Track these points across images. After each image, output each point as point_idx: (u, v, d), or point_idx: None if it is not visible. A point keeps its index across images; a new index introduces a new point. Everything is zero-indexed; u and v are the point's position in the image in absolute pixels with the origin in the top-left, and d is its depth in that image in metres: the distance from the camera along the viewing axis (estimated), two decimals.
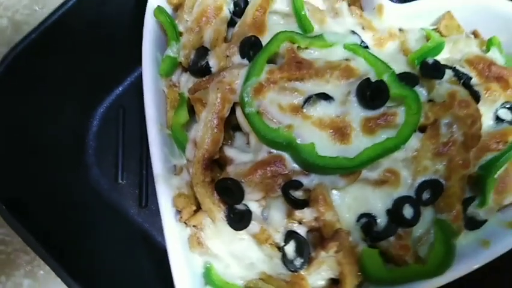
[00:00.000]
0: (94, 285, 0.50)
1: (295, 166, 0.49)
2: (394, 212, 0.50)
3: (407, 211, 0.50)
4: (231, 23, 0.59)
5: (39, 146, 0.60)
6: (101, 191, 0.64)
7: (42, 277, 0.65)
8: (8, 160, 0.56)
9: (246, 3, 0.59)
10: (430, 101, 0.53)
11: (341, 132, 0.50)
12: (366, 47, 0.57)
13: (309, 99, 0.51)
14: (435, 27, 0.61)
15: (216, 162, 0.54)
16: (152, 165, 0.53)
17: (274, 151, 0.50)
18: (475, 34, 0.63)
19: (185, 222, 0.52)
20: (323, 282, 0.52)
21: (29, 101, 0.60)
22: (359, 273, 0.51)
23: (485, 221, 0.54)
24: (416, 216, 0.50)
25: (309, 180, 0.49)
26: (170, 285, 0.51)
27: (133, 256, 0.60)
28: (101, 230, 0.59)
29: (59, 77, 0.62)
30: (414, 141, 0.50)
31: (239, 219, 0.51)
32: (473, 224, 0.54)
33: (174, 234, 0.52)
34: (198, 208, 0.53)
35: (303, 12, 0.57)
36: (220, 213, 0.51)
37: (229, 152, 0.53)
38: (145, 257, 0.60)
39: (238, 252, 0.53)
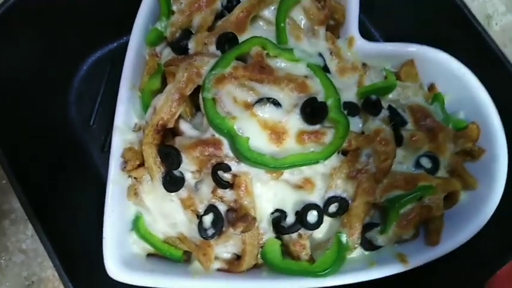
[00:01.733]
0: (38, 199, 0.58)
1: (230, 153, 0.57)
2: (301, 214, 0.58)
3: (311, 217, 0.58)
4: (221, 16, 0.66)
5: (31, 80, 0.68)
6: (74, 128, 0.72)
7: (3, 185, 0.73)
8: (5, 83, 0.63)
9: (238, 2, 0.66)
10: (362, 132, 0.60)
11: (277, 135, 0.57)
12: (328, 71, 0.64)
13: (261, 101, 0.58)
14: (396, 70, 0.68)
15: (171, 131, 0.62)
16: (115, 117, 0.61)
17: (216, 135, 0.57)
18: (432, 87, 0.70)
19: (128, 173, 0.61)
20: (228, 255, 0.61)
21: (29, 34, 0.67)
22: (259, 256, 0.59)
23: (380, 246, 0.62)
24: (318, 222, 0.58)
25: (238, 168, 0.57)
26: None
27: (84, 190, 0.68)
28: (66, 160, 0.68)
29: (61, 18, 0.70)
30: (335, 160, 0.58)
31: (173, 183, 0.59)
32: (370, 246, 0.62)
33: (116, 180, 0.60)
34: (142, 164, 0.61)
35: (282, 25, 0.63)
36: (158, 173, 0.59)
37: (183, 125, 0.61)
38: (94, 194, 0.69)
39: (166, 211, 0.61)
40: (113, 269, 0.56)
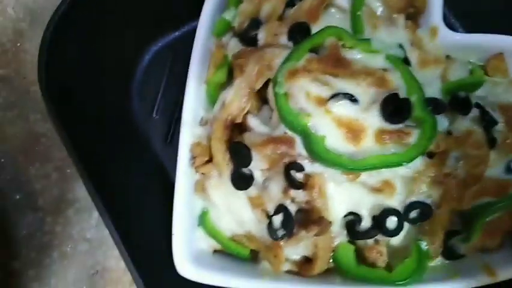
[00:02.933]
0: (105, 189, 0.58)
1: (303, 152, 0.54)
2: (379, 219, 0.54)
3: (391, 222, 0.54)
4: (291, 4, 0.62)
5: (97, 66, 0.67)
6: (136, 119, 0.72)
7: (68, 174, 0.74)
8: (67, 76, 0.63)
9: None
10: (449, 132, 0.55)
11: (354, 134, 0.53)
12: (409, 63, 0.59)
13: (336, 96, 0.54)
14: (483, 64, 0.62)
15: (237, 126, 0.60)
16: (182, 111, 0.59)
17: (289, 132, 0.54)
18: None
19: (196, 168, 0.59)
20: (297, 257, 0.58)
21: (91, 27, 0.67)
22: (331, 261, 0.56)
23: (463, 255, 0.57)
24: (398, 229, 0.54)
25: (312, 168, 0.54)
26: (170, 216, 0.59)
27: (147, 181, 0.68)
28: (128, 150, 0.68)
29: (124, 9, 0.68)
30: (419, 163, 0.53)
31: (242, 181, 0.56)
32: (452, 255, 0.57)
33: (185, 174, 0.58)
34: (210, 160, 0.59)
35: (358, 13, 0.59)
36: (227, 170, 0.57)
37: (251, 121, 0.58)
38: (157, 185, 0.68)
39: (233, 208, 0.59)
40: (183, 266, 0.55)
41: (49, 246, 0.72)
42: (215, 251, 0.62)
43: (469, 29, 0.72)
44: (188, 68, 0.74)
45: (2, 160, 0.75)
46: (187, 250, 0.57)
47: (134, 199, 0.63)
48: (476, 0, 0.68)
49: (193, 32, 0.75)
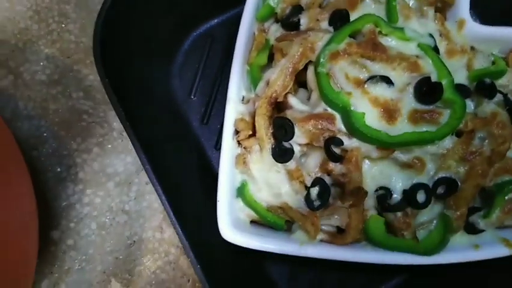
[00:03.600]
0: (152, 161, 0.62)
1: (342, 127, 0.58)
2: (409, 193, 0.59)
3: (420, 196, 0.58)
4: None
5: (141, 49, 0.72)
6: (175, 99, 0.76)
7: (108, 149, 0.78)
8: (120, 54, 0.68)
9: None
10: (474, 114, 0.60)
11: (389, 113, 0.58)
12: (438, 52, 0.64)
13: (372, 78, 0.59)
14: (504, 56, 0.67)
15: (277, 105, 0.64)
16: (228, 89, 0.64)
17: (329, 110, 0.59)
18: None
19: (239, 142, 0.63)
20: (331, 228, 0.63)
21: (141, 12, 0.71)
22: (362, 232, 0.61)
23: (483, 230, 0.62)
24: (427, 202, 0.58)
25: (350, 143, 0.58)
26: (209, 188, 0.63)
27: (187, 158, 0.72)
28: (170, 127, 0.72)
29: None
30: (448, 141, 0.58)
31: (282, 154, 0.61)
32: (472, 229, 0.62)
33: (228, 148, 0.63)
34: (253, 134, 0.63)
35: (394, 3, 0.64)
36: (269, 144, 0.61)
37: (292, 100, 0.63)
38: (196, 162, 0.72)
39: (271, 181, 0.63)
40: (227, 230, 0.59)
41: (88, 217, 0.76)
42: (252, 222, 0.66)
43: (483, 19, 0.77)
44: (224, 54, 0.80)
45: (45, 134, 0.79)
46: (229, 217, 0.61)
47: (178, 171, 0.68)
48: None
49: (230, 19, 0.81)
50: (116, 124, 0.80)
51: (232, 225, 0.60)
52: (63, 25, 0.84)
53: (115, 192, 0.77)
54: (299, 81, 0.65)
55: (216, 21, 0.80)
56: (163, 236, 0.76)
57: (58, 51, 0.82)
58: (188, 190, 0.67)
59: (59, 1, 0.85)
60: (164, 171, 0.64)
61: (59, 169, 0.78)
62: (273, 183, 0.63)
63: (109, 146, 0.79)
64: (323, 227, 0.63)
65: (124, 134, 0.79)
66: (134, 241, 0.76)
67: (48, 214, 0.77)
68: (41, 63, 0.82)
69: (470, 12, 0.77)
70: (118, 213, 0.77)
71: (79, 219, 0.77)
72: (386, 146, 0.57)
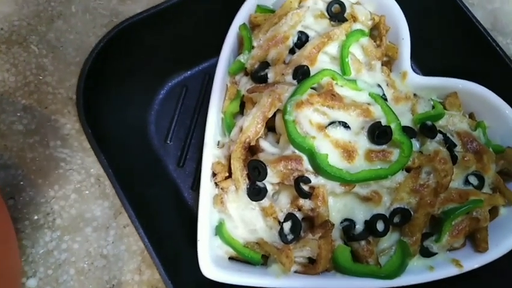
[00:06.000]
0: (133, 204, 0.66)
1: (309, 167, 0.65)
2: (370, 223, 0.66)
3: (380, 225, 0.66)
4: (291, 51, 0.77)
5: (120, 98, 0.77)
6: (153, 145, 0.81)
7: (85, 195, 0.81)
8: (101, 104, 0.73)
9: (307, 40, 0.76)
10: (420, 152, 0.70)
11: (349, 153, 0.66)
12: (386, 99, 0.74)
13: (333, 123, 0.67)
14: (442, 100, 0.79)
15: (249, 148, 0.71)
16: (205, 135, 0.70)
17: (297, 152, 0.66)
18: (472, 116, 0.80)
19: (216, 184, 0.69)
20: (302, 260, 0.68)
21: (120, 64, 0.78)
22: (331, 261, 0.67)
23: (436, 253, 0.70)
24: (385, 231, 0.66)
25: (316, 180, 0.65)
26: (187, 228, 0.67)
27: (164, 199, 0.76)
28: (148, 171, 0.76)
29: (147, 51, 0.80)
30: (400, 176, 0.67)
31: (257, 193, 0.67)
32: (427, 253, 0.70)
33: (207, 189, 0.68)
34: (229, 176, 0.69)
35: (346, 60, 0.74)
36: (244, 184, 0.67)
37: (263, 143, 0.70)
38: (173, 203, 0.77)
39: (247, 218, 0.68)
40: (207, 268, 0.63)
41: (66, 263, 0.77)
42: (230, 258, 0.70)
43: (427, 75, 0.90)
44: (197, 102, 0.87)
45: (22, 183, 0.80)
46: (209, 255, 0.65)
47: (156, 212, 0.72)
48: (432, 53, 0.87)
49: (201, 72, 0.89)
50: (94, 170, 0.83)
51: (212, 263, 0.64)
52: (40, 77, 0.87)
53: (92, 237, 0.79)
54: (269, 126, 0.73)
55: (189, 72, 0.87)
56: (141, 278, 0.78)
57: (35, 102, 0.85)
58: (168, 230, 0.71)
59: (37, 55, 0.89)
60: (145, 212, 0.68)
61: (36, 217, 0.79)
62: (249, 220, 0.68)
63: (87, 192, 0.81)
64: (296, 259, 0.68)
65: (101, 179, 0.82)
66: (113, 285, 0.77)
67: (25, 262, 0.76)
68: (18, 114, 0.85)
69: (416, 65, 0.91)
70: (96, 258, 0.78)
71: (57, 266, 0.77)
72: (347, 182, 0.64)
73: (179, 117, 0.85)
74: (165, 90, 0.86)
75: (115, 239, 0.79)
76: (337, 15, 0.79)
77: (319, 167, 0.64)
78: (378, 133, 0.67)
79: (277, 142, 0.71)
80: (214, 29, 0.78)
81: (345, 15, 0.80)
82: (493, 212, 0.74)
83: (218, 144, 0.73)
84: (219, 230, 0.69)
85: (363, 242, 0.67)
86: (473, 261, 0.68)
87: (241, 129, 0.69)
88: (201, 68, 0.88)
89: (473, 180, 0.71)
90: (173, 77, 0.86)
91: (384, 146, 0.67)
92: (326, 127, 0.67)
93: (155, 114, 0.84)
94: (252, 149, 0.71)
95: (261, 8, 0.80)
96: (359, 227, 0.67)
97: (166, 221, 0.73)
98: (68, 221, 0.79)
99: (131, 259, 0.78)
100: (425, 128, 0.71)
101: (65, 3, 0.93)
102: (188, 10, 0.80)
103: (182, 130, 0.84)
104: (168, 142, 0.83)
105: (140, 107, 0.82)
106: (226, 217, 0.70)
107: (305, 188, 0.66)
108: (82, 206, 0.80)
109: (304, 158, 0.66)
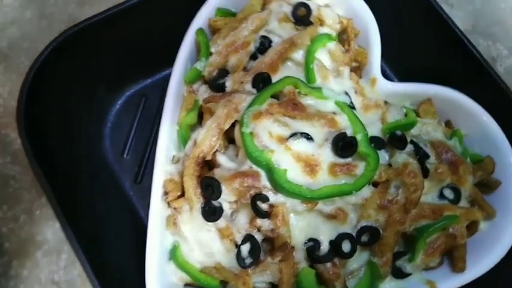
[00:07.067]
0: (77, 227, 0.60)
1: (268, 184, 0.60)
2: (335, 243, 0.61)
3: (346, 246, 0.60)
4: (253, 57, 0.71)
5: (71, 109, 0.72)
6: (107, 160, 0.76)
7: (36, 216, 0.75)
8: (43, 117, 0.67)
9: (269, 45, 0.71)
10: (389, 164, 0.65)
11: (311, 167, 0.61)
12: (354, 108, 0.69)
13: (294, 135, 0.62)
14: (415, 108, 0.74)
15: (206, 163, 0.66)
16: (156, 150, 0.64)
17: (254, 167, 0.61)
18: (448, 123, 0.75)
19: (168, 203, 0.63)
20: (263, 285, 0.63)
21: (72, 68, 0.72)
22: (294, 285, 0.61)
23: (410, 274, 0.65)
24: (352, 251, 0.61)
25: (275, 198, 0.60)
26: (141, 251, 0.62)
27: (118, 220, 0.70)
28: (99, 189, 0.71)
29: (101, 57, 0.75)
30: (366, 191, 0.61)
31: (212, 213, 0.61)
32: (399, 273, 0.64)
33: (157, 210, 0.62)
34: (182, 195, 0.64)
35: (311, 66, 0.69)
36: (198, 204, 0.62)
37: (220, 158, 0.65)
38: (127, 223, 0.71)
39: (203, 240, 0.63)
40: None
41: None
42: (186, 285, 0.65)
43: (403, 79, 0.85)
44: (157, 112, 0.81)
45: None
46: (160, 282, 0.59)
47: (106, 235, 0.66)
48: (408, 56, 0.82)
49: (163, 80, 0.83)
50: None
51: None
52: None
53: (43, 262, 0.73)
54: (230, 138, 0.67)
55: (149, 81, 0.82)
56: None
57: None
58: (119, 253, 0.66)
59: None
60: (92, 235, 0.62)
61: None
62: (205, 243, 0.63)
63: (38, 212, 0.75)
64: (257, 285, 0.63)
65: None
66: None
67: None
68: None
69: (391, 70, 0.86)
70: (47, 285, 0.72)
71: None
72: (308, 199, 0.59)
73: (137, 130, 0.79)
74: (122, 100, 0.80)
75: (67, 263, 0.74)
76: (303, 18, 0.74)
77: (277, 184, 0.59)
78: (343, 145, 0.61)
79: (237, 155, 0.66)
80: (177, 34, 0.73)
81: (312, 18, 0.75)
82: (472, 227, 0.68)
83: (173, 159, 0.67)
84: (173, 254, 0.63)
85: (328, 264, 0.61)
86: (449, 283, 0.63)
87: (195, 143, 0.64)
88: (162, 75, 0.82)
89: (448, 193, 0.66)
90: (132, 86, 0.81)
91: (349, 159, 0.62)
92: (287, 139, 0.62)
93: (111, 127, 0.78)
94: (210, 164, 0.66)
95: (221, 11, 0.75)
96: (324, 247, 0.61)
97: (118, 243, 0.67)
98: (17, 245, 0.74)
99: (83, 285, 0.73)
100: (394, 138, 0.65)
101: (19, 8, 0.88)
102: (148, 13, 0.74)
103: (141, 143, 0.79)
104: (125, 157, 0.78)
105: (93, 119, 0.76)
106: (181, 239, 0.64)
107: (263, 206, 0.60)
108: (32, 228, 0.75)
109: (263, 173, 0.61)
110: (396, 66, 0.86)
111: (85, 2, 0.88)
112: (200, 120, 0.70)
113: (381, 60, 0.81)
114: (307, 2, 0.74)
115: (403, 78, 0.85)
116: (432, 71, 0.78)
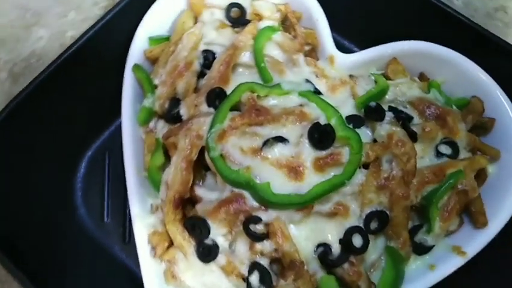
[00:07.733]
0: None
1: (255, 203, 0.55)
2: (345, 241, 0.56)
3: (356, 240, 0.55)
4: (202, 75, 0.67)
5: (30, 188, 0.66)
6: (87, 230, 0.70)
7: None
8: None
9: (214, 57, 0.67)
10: (374, 140, 0.60)
11: (295, 171, 0.56)
12: (320, 93, 0.64)
13: (267, 142, 0.57)
14: (383, 72, 0.69)
15: (189, 200, 0.61)
16: (129, 206, 0.59)
17: (236, 190, 0.56)
18: (422, 76, 0.70)
19: (159, 258, 0.58)
20: None
21: (23, 145, 0.67)
22: None
23: (433, 246, 0.60)
24: (365, 244, 0.55)
25: (267, 216, 0.55)
26: None
27: (112, 284, 0.65)
28: (86, 267, 0.65)
29: (52, 124, 0.69)
30: (359, 176, 0.56)
31: (207, 253, 0.56)
32: (422, 249, 0.60)
33: (150, 269, 0.57)
34: (171, 244, 0.58)
35: (262, 65, 0.64)
36: (190, 248, 0.57)
37: (199, 191, 0.60)
38: (123, 285, 0.66)
39: (209, 283, 0.58)
40: None
41: None
42: None
43: (364, 45, 0.80)
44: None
45: None
46: None
47: None
48: (361, 20, 0.77)
49: (120, 128, 0.77)
50: None
51: None
52: None
53: None
54: (205, 165, 0.62)
55: (106, 133, 0.76)
56: None
57: None
58: None
59: None
60: None
61: None
62: (212, 285, 0.58)
63: None
64: None
65: None
66: None
67: None
68: None
69: (348, 41, 0.81)
70: None
71: None
72: (301, 205, 0.54)
73: (110, 188, 0.74)
74: (85, 162, 0.74)
75: None
76: (239, 19, 0.70)
77: (263, 200, 0.54)
78: (319, 136, 0.57)
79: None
80: (118, 78, 0.68)
81: (248, 16, 0.70)
82: (481, 175, 0.63)
83: (151, 209, 0.62)
84: None
85: (346, 265, 0.56)
86: (475, 243, 0.58)
87: (167, 185, 0.59)
88: (118, 123, 0.76)
89: (444, 149, 0.61)
90: (90, 145, 0.75)
91: (331, 149, 0.57)
92: (260, 149, 0.57)
93: (82, 194, 0.73)
94: (192, 200, 0.61)
95: (154, 40, 0.70)
96: (335, 249, 0.56)
97: None
98: None
99: None
100: (370, 111, 0.61)
101: None
102: (86, 63, 0.69)
103: (118, 201, 0.73)
104: (105, 220, 0.72)
105: (58, 191, 0.71)
106: None
107: (258, 228, 0.55)
108: None
109: (246, 194, 0.56)
110: (353, 34, 0.81)
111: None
112: (168, 158, 0.65)
113: (335, 34, 0.76)
114: (238, 2, 0.69)
115: (364, 44, 0.80)
116: (391, 28, 0.73)
